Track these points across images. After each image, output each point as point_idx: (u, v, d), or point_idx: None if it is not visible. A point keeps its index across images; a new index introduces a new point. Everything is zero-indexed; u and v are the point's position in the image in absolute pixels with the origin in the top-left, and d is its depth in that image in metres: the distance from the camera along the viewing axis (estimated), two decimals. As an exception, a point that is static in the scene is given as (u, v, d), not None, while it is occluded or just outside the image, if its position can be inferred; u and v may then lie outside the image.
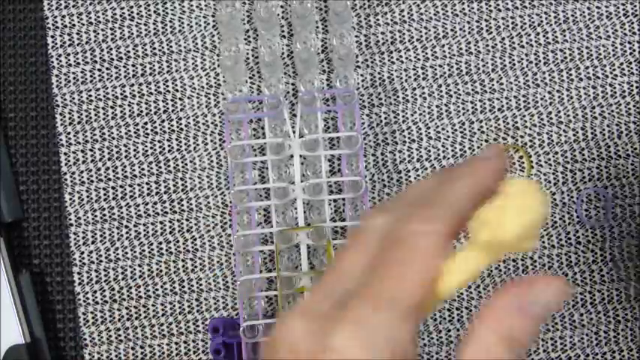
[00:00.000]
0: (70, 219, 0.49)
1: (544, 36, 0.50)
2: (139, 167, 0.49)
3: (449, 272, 0.29)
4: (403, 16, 0.50)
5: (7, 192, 0.49)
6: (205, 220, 0.49)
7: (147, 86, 0.50)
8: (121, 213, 0.49)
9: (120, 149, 0.49)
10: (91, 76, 0.50)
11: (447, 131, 0.49)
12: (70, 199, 0.49)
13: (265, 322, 0.46)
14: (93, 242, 0.48)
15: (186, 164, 0.49)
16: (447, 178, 0.31)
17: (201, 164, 0.49)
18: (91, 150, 0.49)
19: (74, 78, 0.50)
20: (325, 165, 0.48)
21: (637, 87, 0.50)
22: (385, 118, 0.49)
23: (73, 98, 0.50)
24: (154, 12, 0.50)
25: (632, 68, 0.50)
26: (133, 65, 0.50)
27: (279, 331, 0.31)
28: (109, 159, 0.49)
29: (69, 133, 0.49)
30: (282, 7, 0.50)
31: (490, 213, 0.29)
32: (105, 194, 0.49)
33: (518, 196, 0.29)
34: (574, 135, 0.49)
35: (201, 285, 0.48)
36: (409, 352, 0.29)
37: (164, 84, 0.50)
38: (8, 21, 0.51)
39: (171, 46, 0.50)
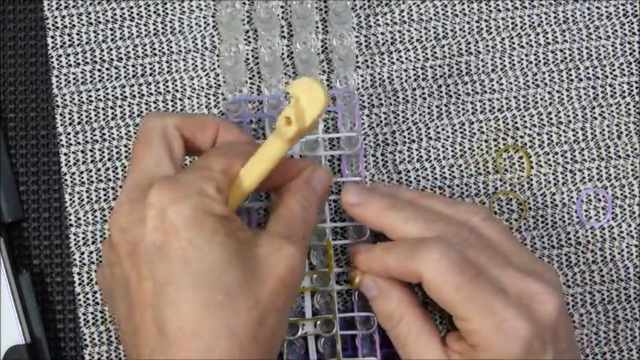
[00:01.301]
0: (70, 219, 0.49)
1: (544, 36, 0.50)
2: (139, 167, 0.49)
3: (257, 161, 0.39)
4: (403, 17, 0.50)
5: (7, 192, 0.49)
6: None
7: (147, 87, 0.50)
8: (121, 213, 0.49)
9: (120, 150, 0.49)
10: (91, 76, 0.50)
11: (447, 131, 0.49)
12: (70, 199, 0.49)
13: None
14: (93, 243, 0.48)
15: (186, 164, 0.49)
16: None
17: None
18: (91, 150, 0.49)
19: (74, 78, 0.50)
20: (325, 165, 0.48)
21: (637, 87, 0.50)
22: (385, 119, 0.49)
23: (73, 99, 0.50)
24: (154, 12, 0.50)
25: (632, 68, 0.50)
26: (133, 66, 0.50)
27: (110, 222, 0.38)
28: (109, 159, 0.49)
29: (69, 134, 0.49)
30: (282, 7, 0.50)
31: (290, 111, 0.37)
32: (105, 195, 0.49)
33: (306, 91, 0.37)
34: (574, 135, 0.50)
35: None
36: (215, 208, 0.36)
37: (164, 84, 0.50)
38: (8, 21, 0.51)
39: (171, 47, 0.50)
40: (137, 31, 0.50)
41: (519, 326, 0.37)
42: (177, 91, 0.50)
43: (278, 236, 0.38)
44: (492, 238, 0.41)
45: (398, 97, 0.50)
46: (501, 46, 0.50)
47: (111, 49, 0.50)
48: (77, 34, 0.50)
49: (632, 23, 0.50)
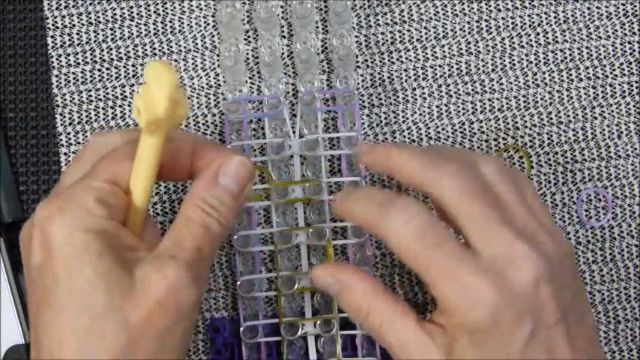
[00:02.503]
0: (70, 219, 0.49)
1: (544, 36, 0.50)
2: (139, 167, 0.49)
3: (138, 164, 0.36)
4: (403, 17, 0.50)
5: (7, 192, 0.49)
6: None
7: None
8: (121, 213, 0.49)
9: (120, 149, 0.49)
10: (91, 76, 0.50)
11: (447, 131, 0.49)
12: (70, 199, 0.49)
13: (265, 322, 0.46)
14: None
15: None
16: None
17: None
18: (91, 150, 0.49)
19: (74, 78, 0.50)
20: (325, 165, 0.48)
21: (637, 87, 0.50)
22: (385, 119, 0.49)
23: (73, 98, 0.50)
24: (154, 12, 0.50)
25: (632, 68, 0.50)
26: (133, 65, 0.50)
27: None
28: (109, 159, 0.49)
29: (69, 134, 0.49)
30: (282, 7, 0.50)
31: (139, 100, 0.34)
32: (105, 194, 0.49)
33: (154, 77, 0.34)
34: (574, 135, 0.50)
35: (201, 285, 0.48)
36: (91, 223, 0.35)
37: (164, 84, 0.49)
38: (8, 21, 0.51)
39: (171, 47, 0.50)
40: (137, 31, 0.50)
41: (483, 293, 0.35)
42: (177, 90, 0.49)
43: (162, 255, 0.35)
44: (504, 195, 0.39)
45: (398, 96, 0.50)
46: (501, 46, 0.50)
47: (111, 49, 0.50)
48: (77, 33, 0.50)
49: (632, 23, 0.50)
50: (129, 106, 0.49)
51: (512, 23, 0.50)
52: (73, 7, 0.50)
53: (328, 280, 0.40)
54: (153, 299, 0.34)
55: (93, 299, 0.34)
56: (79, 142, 0.49)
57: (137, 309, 0.34)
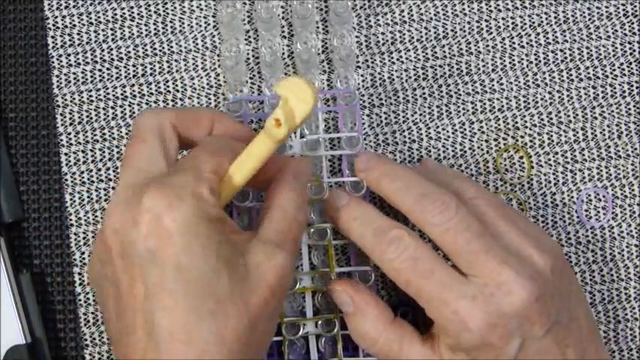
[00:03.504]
0: (71, 219, 0.49)
1: (544, 36, 0.50)
2: (140, 167, 0.49)
3: (247, 159, 0.39)
4: (403, 17, 0.50)
5: (8, 192, 0.49)
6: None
7: (147, 87, 0.50)
8: (122, 213, 0.49)
9: (121, 150, 0.49)
10: (91, 76, 0.50)
11: (448, 131, 0.49)
12: (71, 199, 0.49)
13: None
14: (94, 242, 0.48)
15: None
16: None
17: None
18: (91, 150, 0.49)
19: (74, 78, 0.50)
20: (326, 165, 0.48)
21: (637, 87, 0.50)
22: (385, 119, 0.49)
23: (74, 98, 0.49)
24: (155, 12, 0.50)
25: (632, 68, 0.50)
26: (134, 65, 0.50)
27: (104, 221, 0.37)
28: (110, 159, 0.49)
29: (69, 134, 0.49)
30: (282, 7, 0.50)
31: (280, 113, 0.37)
32: (106, 195, 0.49)
33: (294, 92, 0.37)
34: (574, 135, 0.50)
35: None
36: (210, 211, 0.36)
37: (164, 84, 0.50)
38: (8, 21, 0.51)
39: (171, 47, 0.50)
40: (137, 31, 0.50)
41: (472, 318, 0.39)
42: (177, 91, 0.50)
43: (269, 243, 0.38)
44: (487, 215, 0.42)
45: (398, 97, 0.50)
46: (501, 46, 0.50)
47: (111, 49, 0.50)
48: (77, 33, 0.50)
49: (632, 23, 0.50)
50: (129, 106, 0.49)
51: (513, 23, 0.50)
52: (74, 7, 0.50)
53: (345, 298, 0.44)
54: (267, 285, 0.37)
55: (218, 284, 0.35)
56: (79, 142, 0.49)
57: (255, 294, 0.36)
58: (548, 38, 0.50)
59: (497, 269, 0.39)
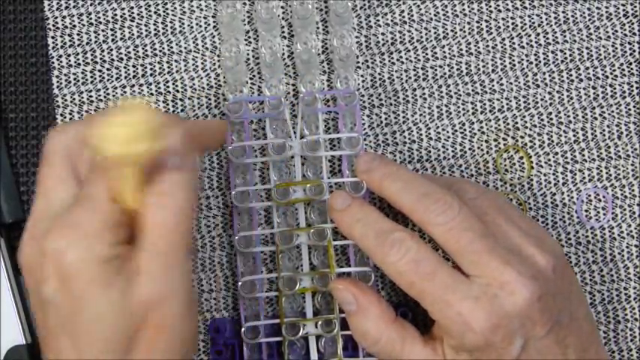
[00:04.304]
0: (71, 220, 0.49)
1: (544, 37, 0.50)
2: (140, 168, 0.49)
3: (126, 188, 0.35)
4: (403, 17, 0.50)
5: (7, 192, 0.49)
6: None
7: (147, 87, 0.50)
8: (122, 214, 0.49)
9: (121, 150, 0.49)
10: (91, 76, 0.50)
11: (448, 132, 0.49)
12: (71, 199, 0.49)
13: (266, 322, 0.46)
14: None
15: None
16: None
17: (201, 165, 0.49)
18: (91, 151, 0.49)
19: (75, 79, 0.50)
20: (326, 165, 0.48)
21: (637, 87, 0.50)
22: (386, 119, 0.49)
23: (74, 99, 0.49)
24: (155, 13, 0.50)
25: (632, 69, 0.50)
26: (134, 66, 0.50)
27: (19, 250, 0.37)
28: (110, 160, 0.49)
29: (69, 134, 0.49)
30: (282, 8, 0.50)
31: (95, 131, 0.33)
32: (106, 195, 0.49)
33: (119, 113, 0.33)
34: (574, 135, 0.50)
35: (202, 286, 0.48)
36: (101, 251, 0.34)
37: (164, 85, 0.50)
38: (8, 22, 0.51)
39: (171, 47, 0.50)
40: (137, 32, 0.50)
41: (475, 319, 0.39)
42: (177, 91, 0.50)
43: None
44: (488, 215, 0.42)
45: (398, 97, 0.50)
46: (501, 47, 0.50)
47: (111, 50, 0.50)
48: (78, 34, 0.50)
49: (632, 23, 0.50)
50: (129, 106, 0.49)
51: (513, 24, 0.50)
52: (74, 7, 0.50)
53: (347, 297, 0.43)
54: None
55: (115, 325, 0.35)
56: (79, 143, 0.49)
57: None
58: (548, 39, 0.50)
59: (499, 269, 0.39)
